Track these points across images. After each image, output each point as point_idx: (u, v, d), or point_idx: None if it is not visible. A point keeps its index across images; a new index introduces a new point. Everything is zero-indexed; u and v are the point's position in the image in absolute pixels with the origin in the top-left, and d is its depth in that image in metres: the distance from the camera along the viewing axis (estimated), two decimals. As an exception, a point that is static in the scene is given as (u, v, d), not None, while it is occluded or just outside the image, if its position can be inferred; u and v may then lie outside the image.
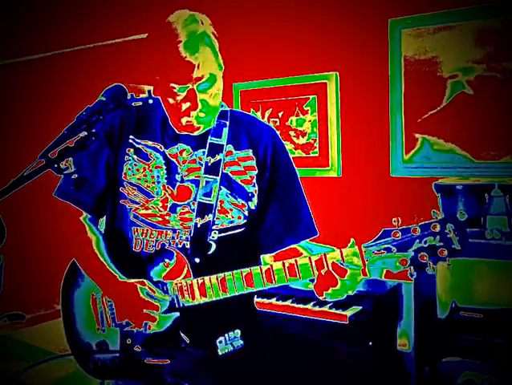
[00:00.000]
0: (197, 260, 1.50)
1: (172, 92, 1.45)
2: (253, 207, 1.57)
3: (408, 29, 2.91)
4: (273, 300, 2.72)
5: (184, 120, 1.49)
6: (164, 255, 1.51)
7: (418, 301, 2.55)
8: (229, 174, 1.56)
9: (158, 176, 1.55)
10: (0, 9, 4.13)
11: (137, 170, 1.56)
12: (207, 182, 1.54)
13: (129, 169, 1.56)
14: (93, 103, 1.35)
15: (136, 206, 1.55)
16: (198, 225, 1.52)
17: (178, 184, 1.55)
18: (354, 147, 3.16)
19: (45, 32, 4.21)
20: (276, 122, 3.39)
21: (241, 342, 1.58)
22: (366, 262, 1.33)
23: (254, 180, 1.57)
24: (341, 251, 1.35)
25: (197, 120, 1.49)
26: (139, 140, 1.58)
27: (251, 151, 1.59)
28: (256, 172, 1.58)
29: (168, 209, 1.53)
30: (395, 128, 2.98)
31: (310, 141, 3.31)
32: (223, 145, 1.57)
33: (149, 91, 1.47)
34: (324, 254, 1.36)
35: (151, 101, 1.45)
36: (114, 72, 3.77)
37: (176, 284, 1.48)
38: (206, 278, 1.45)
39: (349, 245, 1.35)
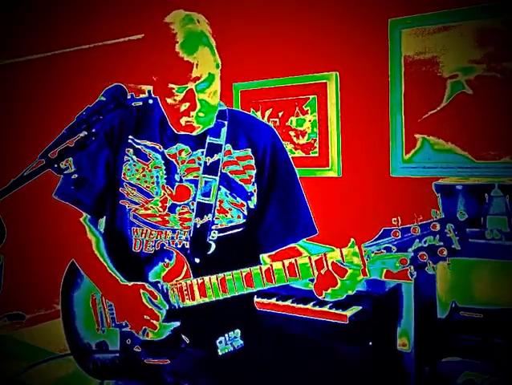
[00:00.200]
0: (197, 260, 1.50)
1: (170, 92, 1.45)
2: (252, 206, 1.57)
3: (408, 29, 2.91)
4: (273, 300, 2.72)
5: (183, 120, 1.49)
6: (163, 255, 1.51)
7: (418, 301, 2.55)
8: (228, 174, 1.56)
9: (157, 177, 1.55)
10: (0, 9, 4.13)
11: (136, 170, 1.56)
12: (206, 182, 1.54)
13: (128, 169, 1.57)
14: (93, 103, 1.35)
15: (136, 206, 1.55)
16: (198, 225, 1.52)
17: (177, 184, 1.55)
18: (354, 147, 3.16)
19: (45, 32, 4.22)
20: (276, 122, 3.39)
21: (241, 342, 1.58)
22: (366, 262, 1.33)
23: (253, 180, 1.57)
24: (341, 251, 1.35)
25: (197, 120, 1.49)
26: (138, 141, 1.58)
27: (250, 150, 1.59)
28: (255, 171, 1.58)
29: (167, 209, 1.53)
30: (395, 128, 2.98)
31: (310, 141, 3.30)
32: (222, 145, 1.57)
33: (149, 91, 1.47)
34: (324, 254, 1.36)
35: (151, 101, 1.45)
36: (114, 72, 3.77)
37: (175, 284, 1.48)
38: (206, 278, 1.45)
39: (349, 244, 1.35)
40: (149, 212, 1.54)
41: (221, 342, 1.55)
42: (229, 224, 1.55)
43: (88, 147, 1.32)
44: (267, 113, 3.43)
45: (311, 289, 1.42)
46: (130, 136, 1.58)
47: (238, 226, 1.56)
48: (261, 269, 1.41)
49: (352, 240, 1.35)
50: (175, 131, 1.56)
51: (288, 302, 2.68)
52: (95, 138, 1.32)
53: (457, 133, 2.81)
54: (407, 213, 1.32)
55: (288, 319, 2.65)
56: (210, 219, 1.53)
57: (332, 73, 3.18)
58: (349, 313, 2.52)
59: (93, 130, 1.32)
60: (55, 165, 1.25)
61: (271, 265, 1.40)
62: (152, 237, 1.54)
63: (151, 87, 1.50)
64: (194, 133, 1.54)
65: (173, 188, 1.54)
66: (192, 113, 1.47)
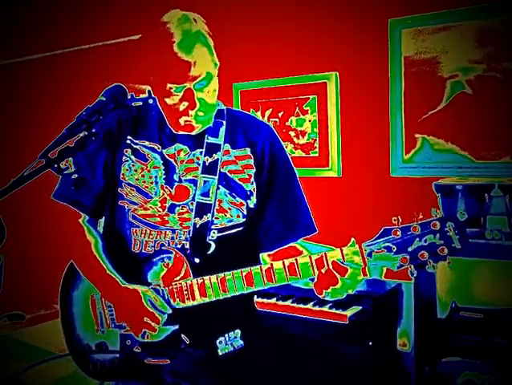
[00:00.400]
0: (197, 260, 1.50)
1: (169, 92, 1.44)
2: (251, 205, 1.57)
3: (408, 29, 2.91)
4: (273, 300, 2.72)
5: (182, 120, 1.49)
6: (163, 255, 1.51)
7: (418, 301, 2.55)
8: (227, 173, 1.56)
9: (156, 177, 1.55)
10: (0, 9, 4.13)
11: (135, 171, 1.56)
12: (205, 182, 1.54)
13: (127, 170, 1.56)
14: (93, 103, 1.35)
15: (135, 207, 1.55)
16: (197, 225, 1.52)
17: (176, 184, 1.54)
18: (354, 147, 3.16)
19: (45, 32, 4.21)
20: (276, 122, 3.39)
21: (241, 342, 1.58)
22: (366, 261, 1.33)
23: (252, 179, 1.57)
24: (341, 250, 1.35)
25: (196, 120, 1.49)
26: (136, 141, 1.58)
27: (249, 149, 1.58)
28: (254, 170, 1.57)
29: (166, 210, 1.53)
30: (395, 128, 2.98)
31: (310, 141, 3.31)
32: (220, 144, 1.57)
33: (149, 91, 1.47)
34: (324, 253, 1.36)
35: (151, 101, 1.44)
36: (114, 72, 3.77)
37: (175, 285, 1.48)
38: (206, 278, 1.45)
39: (349, 244, 1.35)
40: (148, 212, 1.54)
41: (221, 343, 1.55)
42: (229, 224, 1.55)
43: (88, 147, 1.32)
44: (267, 113, 3.43)
45: (311, 288, 1.42)
46: (128, 137, 1.58)
47: (238, 226, 1.56)
48: (261, 268, 1.41)
49: (353, 239, 1.35)
50: (173, 131, 1.56)
51: (288, 302, 2.69)
52: (95, 138, 1.32)
53: (457, 133, 2.81)
54: (407, 213, 1.32)
55: (288, 319, 2.65)
56: (210, 219, 1.53)
57: (332, 73, 3.18)
58: (349, 313, 2.52)
59: (93, 130, 1.32)
60: (55, 165, 1.25)
61: (272, 265, 1.40)
62: (151, 237, 1.54)
63: (151, 87, 1.50)
64: (193, 132, 1.53)
65: (172, 188, 1.54)
66: (191, 112, 1.47)
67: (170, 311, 1.46)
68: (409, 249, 1.29)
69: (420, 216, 1.29)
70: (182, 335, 1.48)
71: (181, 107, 1.46)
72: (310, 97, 3.27)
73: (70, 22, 4.09)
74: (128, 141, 1.58)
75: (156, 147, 1.57)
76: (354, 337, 2.54)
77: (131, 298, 1.46)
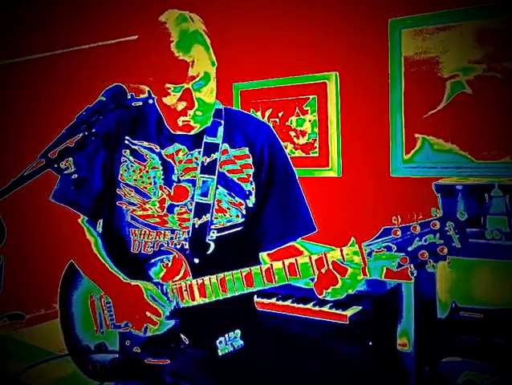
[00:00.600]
0: (196, 260, 1.50)
1: (167, 92, 1.44)
2: (250, 205, 1.57)
3: (408, 29, 2.91)
4: (273, 300, 2.71)
5: (180, 120, 1.48)
6: (162, 256, 1.51)
7: (418, 301, 2.55)
8: (226, 173, 1.56)
9: (155, 177, 1.54)
10: (0, 9, 4.13)
11: (133, 171, 1.56)
12: (204, 182, 1.54)
13: (125, 170, 1.56)
14: (93, 103, 1.35)
15: (134, 207, 1.55)
16: (196, 225, 1.52)
17: (175, 184, 1.54)
18: (354, 147, 3.16)
19: (45, 32, 4.21)
20: (276, 122, 3.39)
21: (241, 342, 1.58)
22: (366, 261, 1.33)
23: (251, 178, 1.57)
24: (341, 250, 1.34)
25: (194, 119, 1.49)
26: (135, 141, 1.57)
27: (247, 149, 1.58)
28: (252, 169, 1.57)
29: (165, 210, 1.53)
30: (395, 128, 2.98)
31: (310, 141, 3.31)
32: (218, 144, 1.56)
33: (149, 91, 1.47)
34: (324, 253, 1.36)
35: (151, 101, 1.44)
36: (114, 72, 3.77)
37: (175, 285, 1.48)
38: (206, 278, 1.45)
39: (349, 243, 1.35)
40: (147, 212, 1.54)
41: (221, 343, 1.55)
42: (228, 224, 1.55)
43: (88, 147, 1.32)
44: (267, 113, 3.43)
45: (311, 288, 1.42)
46: (126, 137, 1.58)
47: (237, 225, 1.56)
48: (261, 268, 1.40)
49: (353, 239, 1.35)
50: (171, 132, 1.56)
51: (288, 302, 2.68)
52: (94, 138, 1.32)
53: (457, 133, 2.81)
54: (407, 213, 1.32)
55: (288, 319, 2.65)
56: (209, 219, 1.52)
57: (332, 73, 3.18)
58: (349, 313, 2.52)
59: (93, 130, 1.32)
60: (55, 165, 1.25)
61: (271, 265, 1.40)
62: (150, 237, 1.54)
63: (149, 87, 1.50)
64: (192, 132, 1.53)
65: (171, 189, 1.54)
66: (189, 112, 1.46)
67: (171, 305, 1.46)
68: (409, 249, 1.29)
69: (420, 216, 1.29)
70: (181, 335, 1.48)
71: (179, 107, 1.46)
72: (310, 97, 3.27)
73: (70, 22, 4.09)
74: (127, 142, 1.57)
75: (154, 148, 1.56)
76: (354, 337, 2.54)
77: (132, 294, 1.46)
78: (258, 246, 1.62)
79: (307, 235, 1.61)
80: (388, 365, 2.61)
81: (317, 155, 3.28)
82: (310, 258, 1.37)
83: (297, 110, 3.33)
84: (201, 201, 1.53)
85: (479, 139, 2.76)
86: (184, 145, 1.56)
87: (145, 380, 1.55)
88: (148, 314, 1.44)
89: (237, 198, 1.55)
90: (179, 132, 1.54)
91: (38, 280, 3.81)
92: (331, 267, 1.35)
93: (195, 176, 1.54)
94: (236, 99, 3.53)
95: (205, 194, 1.53)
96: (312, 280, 1.40)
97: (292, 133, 3.35)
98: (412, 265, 1.30)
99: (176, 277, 1.48)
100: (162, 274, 1.50)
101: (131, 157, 1.56)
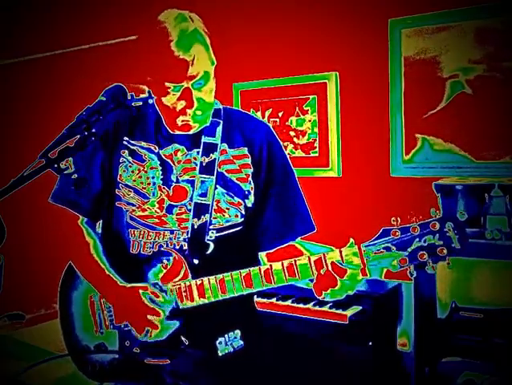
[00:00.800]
0: (196, 261, 1.50)
1: (166, 92, 1.44)
2: (250, 205, 1.57)
3: (408, 29, 2.91)
4: (273, 300, 2.71)
5: (180, 120, 1.48)
6: (161, 256, 1.51)
7: (418, 301, 2.55)
8: (225, 173, 1.55)
9: (153, 178, 1.54)
10: (0, 9, 4.13)
11: (132, 172, 1.55)
12: (202, 182, 1.53)
13: (124, 171, 1.56)
14: (93, 103, 1.35)
15: (133, 208, 1.55)
16: (195, 226, 1.52)
17: (174, 184, 1.54)
18: (354, 147, 3.16)
19: (45, 32, 4.21)
20: (276, 122, 3.39)
21: (241, 342, 1.58)
22: (365, 262, 1.32)
23: (250, 178, 1.56)
24: (340, 251, 1.34)
25: (194, 119, 1.49)
26: (133, 142, 1.57)
27: (246, 149, 1.58)
28: (251, 169, 1.57)
29: (164, 210, 1.53)
30: (395, 128, 2.98)
31: (310, 141, 3.30)
32: (217, 144, 1.56)
33: (149, 91, 1.47)
34: (323, 254, 1.36)
35: (151, 101, 1.44)
36: (114, 72, 3.77)
37: (174, 286, 1.48)
38: (205, 279, 1.44)
39: (348, 244, 1.34)
40: (146, 213, 1.54)
41: (221, 343, 1.55)
42: (227, 224, 1.54)
43: (88, 147, 1.32)
44: (267, 113, 3.43)
45: (311, 288, 1.42)
46: (125, 138, 1.57)
47: (236, 225, 1.55)
48: (260, 269, 1.40)
49: (352, 240, 1.35)
50: (170, 132, 1.55)
51: (288, 302, 2.68)
52: (95, 138, 1.32)
53: (457, 133, 2.81)
54: (407, 213, 1.32)
55: (288, 319, 2.65)
56: (208, 219, 1.52)
57: (332, 73, 3.17)
58: (349, 313, 2.52)
59: (93, 130, 1.32)
60: (55, 165, 1.25)
61: (270, 266, 1.40)
62: (149, 238, 1.53)
63: (149, 87, 1.49)
64: (190, 132, 1.53)
65: (170, 189, 1.54)
66: (188, 111, 1.46)
67: (169, 306, 1.46)
68: (408, 250, 1.29)
69: (420, 217, 1.29)
70: (181, 337, 1.48)
71: (179, 107, 1.46)
72: (310, 97, 3.27)
73: (70, 22, 4.09)
74: (125, 142, 1.57)
75: (153, 148, 1.56)
76: (354, 337, 2.54)
77: (130, 298, 1.46)
78: (258, 246, 1.62)
79: (307, 234, 1.60)
80: (388, 365, 2.61)
81: (317, 155, 3.28)
82: (309, 259, 1.37)
83: (297, 110, 3.33)
84: (199, 202, 1.53)
85: (479, 139, 2.76)
86: (182, 145, 1.56)
87: (145, 380, 1.55)
88: (148, 317, 1.44)
89: (236, 198, 1.55)
90: (178, 132, 1.54)
91: (38, 280, 3.81)
92: (330, 268, 1.34)
93: (194, 177, 1.54)
94: (236, 99, 3.53)
95: (203, 194, 1.53)
96: (311, 281, 1.40)
97: (292, 133, 3.35)
98: (411, 267, 1.29)
99: (176, 278, 1.48)
100: (162, 275, 1.50)
101: (129, 158, 1.56)
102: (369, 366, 2.51)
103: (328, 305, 2.57)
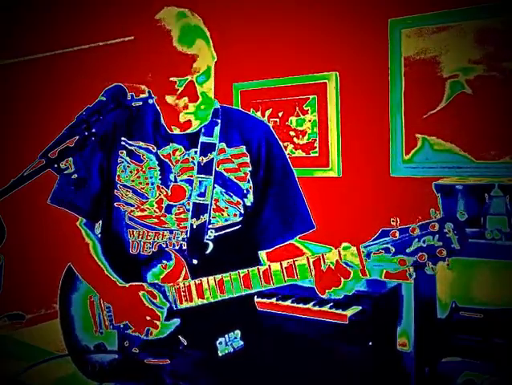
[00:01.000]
0: (195, 260, 1.50)
1: (171, 87, 1.43)
2: (248, 204, 1.56)
3: (408, 29, 2.91)
4: (273, 300, 2.71)
5: (182, 115, 1.48)
6: (161, 257, 1.51)
7: (418, 301, 2.54)
8: (223, 172, 1.55)
9: (152, 178, 1.54)
10: (0, 9, 4.13)
11: (131, 172, 1.55)
12: (201, 182, 1.53)
13: (123, 171, 1.56)
14: (93, 103, 1.35)
15: (131, 208, 1.55)
16: (194, 226, 1.51)
17: (172, 184, 1.54)
18: (354, 147, 3.16)
19: (45, 32, 4.21)
20: (276, 122, 3.39)
21: (241, 342, 1.58)
22: (364, 262, 1.32)
23: (249, 177, 1.56)
24: (339, 251, 1.34)
25: (196, 115, 1.49)
26: (131, 142, 1.57)
27: (244, 147, 1.57)
28: (250, 168, 1.56)
29: (163, 210, 1.53)
30: (395, 128, 2.98)
31: (310, 141, 3.30)
32: (215, 144, 1.56)
33: (149, 91, 1.47)
34: (322, 255, 1.36)
35: (151, 101, 1.43)
36: (114, 72, 3.77)
37: (173, 286, 1.48)
38: (204, 280, 1.44)
39: (348, 245, 1.34)
40: (145, 213, 1.54)
41: (221, 343, 1.55)
42: (226, 223, 1.54)
43: (88, 147, 1.32)
44: (267, 113, 3.43)
45: (311, 288, 1.42)
46: (123, 138, 1.57)
47: (235, 224, 1.55)
48: (259, 270, 1.40)
49: (350, 241, 1.34)
50: (168, 131, 1.55)
51: (288, 302, 2.68)
52: (94, 138, 1.32)
53: (457, 133, 2.81)
54: (407, 213, 1.32)
55: (288, 319, 2.65)
56: (206, 219, 1.52)
57: (332, 73, 3.17)
58: (349, 313, 2.52)
59: (93, 130, 1.32)
60: (55, 165, 1.25)
61: (269, 266, 1.40)
62: (149, 238, 1.53)
63: (149, 86, 1.49)
64: (190, 130, 1.53)
65: (168, 189, 1.54)
66: (192, 106, 1.46)
67: (168, 306, 1.46)
68: (408, 251, 1.28)
69: (419, 218, 1.29)
70: (180, 337, 1.47)
71: (181, 103, 1.46)
72: (310, 97, 3.27)
73: (70, 22, 4.09)
74: (123, 142, 1.57)
75: (151, 148, 1.56)
76: (354, 337, 2.54)
77: (129, 298, 1.46)
78: (257, 245, 1.61)
79: (306, 233, 1.60)
80: (388, 365, 2.61)
81: (317, 155, 3.28)
82: (307, 260, 1.37)
83: (297, 110, 3.33)
84: (198, 202, 1.52)
85: (479, 139, 2.76)
86: (180, 145, 1.55)
87: (145, 381, 1.55)
88: (148, 318, 1.44)
89: (234, 197, 1.55)
90: (176, 132, 1.54)
91: (38, 280, 3.81)
92: (332, 267, 1.34)
93: (192, 176, 1.54)
94: (236, 99, 3.53)
95: (202, 194, 1.53)
96: (310, 281, 1.40)
97: (292, 133, 3.35)
98: (410, 268, 1.29)
99: (176, 279, 1.48)
100: (162, 276, 1.50)
101: (127, 158, 1.56)
102: (369, 366, 2.51)
103: (328, 305, 2.57)
